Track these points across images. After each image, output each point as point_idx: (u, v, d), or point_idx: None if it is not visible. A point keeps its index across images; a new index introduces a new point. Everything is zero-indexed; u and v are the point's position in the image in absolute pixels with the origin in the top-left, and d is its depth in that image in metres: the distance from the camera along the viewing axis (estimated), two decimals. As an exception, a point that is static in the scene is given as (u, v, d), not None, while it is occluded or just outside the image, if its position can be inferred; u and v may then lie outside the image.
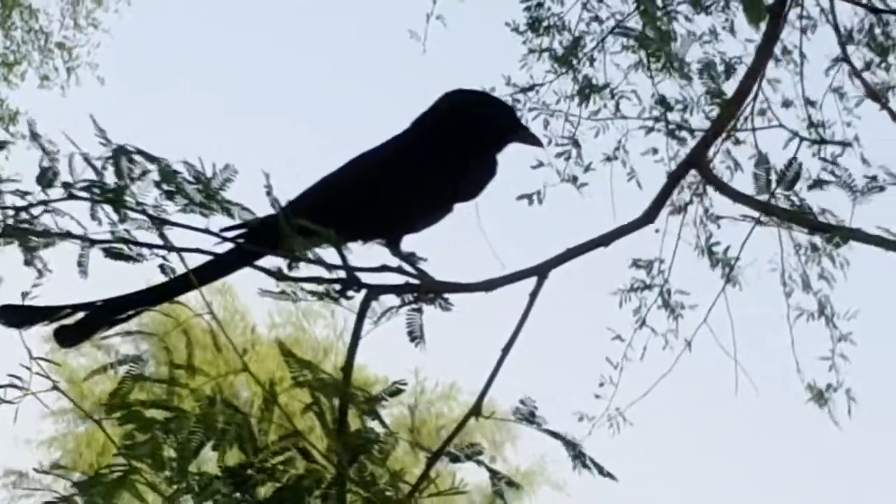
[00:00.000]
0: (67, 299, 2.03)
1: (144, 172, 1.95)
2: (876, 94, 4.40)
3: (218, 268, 2.08)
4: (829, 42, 4.71)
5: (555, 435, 1.96)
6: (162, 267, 1.96)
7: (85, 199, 1.96)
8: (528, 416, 1.96)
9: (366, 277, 2.06)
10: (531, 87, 5.07)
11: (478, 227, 4.34)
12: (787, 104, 4.90)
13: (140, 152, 1.95)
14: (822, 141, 4.63)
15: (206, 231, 1.98)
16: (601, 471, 1.98)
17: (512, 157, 2.31)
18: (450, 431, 2.02)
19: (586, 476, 2.01)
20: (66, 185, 1.96)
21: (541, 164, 4.88)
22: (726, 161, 4.85)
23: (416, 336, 2.02)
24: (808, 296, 4.94)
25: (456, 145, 2.20)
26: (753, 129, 4.50)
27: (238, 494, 1.83)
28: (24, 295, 1.94)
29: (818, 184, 2.17)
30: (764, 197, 2.16)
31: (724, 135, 4.11)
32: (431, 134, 2.21)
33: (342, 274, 2.04)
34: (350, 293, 2.03)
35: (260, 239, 2.02)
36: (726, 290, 4.80)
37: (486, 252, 4.50)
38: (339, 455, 1.84)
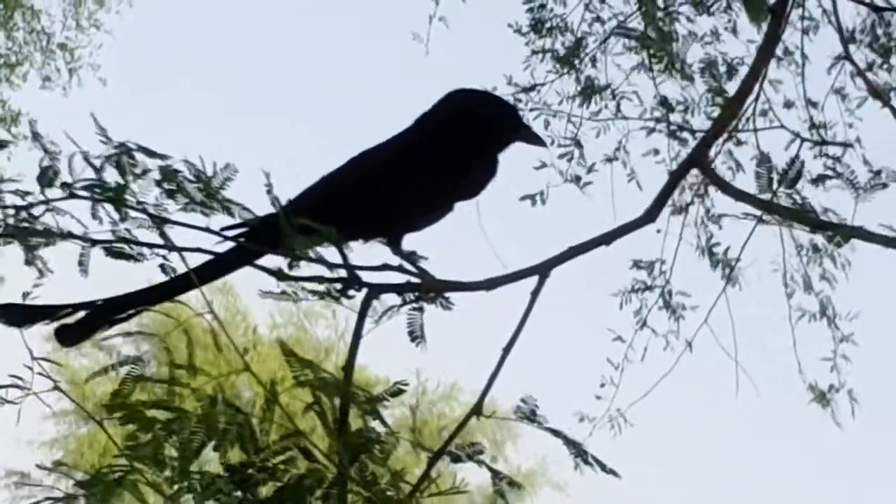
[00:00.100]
0: (68, 299, 2.03)
1: (145, 171, 1.95)
2: (878, 93, 4.40)
3: (218, 267, 2.08)
4: (830, 43, 4.72)
5: (556, 433, 1.96)
6: (163, 266, 1.96)
7: (86, 198, 1.96)
8: (530, 415, 1.96)
9: (367, 276, 2.06)
10: (532, 87, 5.07)
11: (479, 226, 4.33)
12: (788, 105, 4.90)
13: (142, 149, 1.95)
14: (824, 142, 4.63)
15: (207, 230, 1.98)
16: (604, 468, 1.97)
17: (513, 156, 2.31)
18: (451, 431, 2.02)
19: (588, 476, 2.01)
20: (66, 185, 1.96)
21: (544, 165, 4.88)
22: (728, 162, 4.84)
23: (416, 336, 2.02)
24: (810, 297, 4.94)
25: (458, 145, 2.20)
26: (755, 130, 4.50)
27: (239, 493, 1.83)
28: (25, 295, 1.95)
29: (820, 179, 2.17)
30: (766, 196, 2.16)
31: (725, 135, 4.11)
32: (433, 133, 2.21)
33: (343, 273, 2.04)
34: (351, 292, 2.03)
35: (260, 238, 2.02)
36: (728, 291, 4.80)
37: (487, 251, 4.50)
38: (340, 455, 1.84)
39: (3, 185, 2.00)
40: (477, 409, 2.03)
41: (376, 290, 2.03)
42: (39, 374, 1.84)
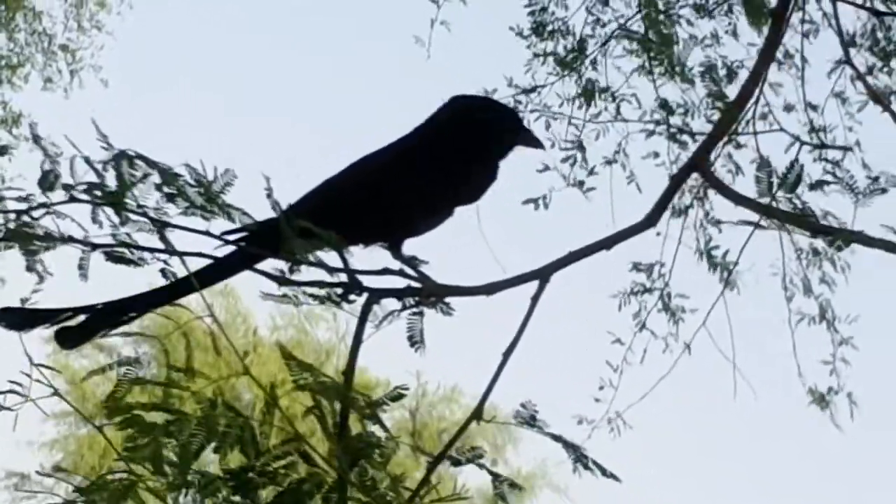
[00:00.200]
0: (69, 302, 2.04)
1: (146, 175, 1.95)
2: (878, 97, 4.40)
3: (219, 271, 2.08)
4: (831, 46, 4.72)
5: (556, 438, 1.96)
6: (164, 271, 1.96)
7: (86, 201, 1.96)
8: (529, 420, 1.96)
9: (367, 281, 2.06)
10: (533, 89, 5.07)
11: (479, 231, 4.33)
12: (788, 108, 4.90)
13: (141, 157, 1.95)
14: (823, 145, 4.64)
15: (208, 234, 1.98)
16: (604, 472, 1.97)
17: (513, 160, 2.31)
18: (451, 434, 2.02)
19: (587, 479, 2.01)
20: (66, 187, 1.96)
21: (546, 168, 4.88)
22: (727, 165, 4.85)
23: (416, 340, 2.03)
24: (810, 300, 4.94)
25: (458, 149, 2.20)
26: (755, 133, 4.50)
27: (239, 497, 1.83)
28: (24, 301, 1.94)
29: (819, 184, 2.17)
30: (765, 200, 2.16)
31: (725, 138, 4.11)
32: (434, 138, 2.22)
33: (344, 277, 2.04)
34: (352, 297, 2.04)
35: (261, 241, 2.02)
36: (726, 295, 4.80)
37: (488, 255, 4.50)
38: (339, 459, 1.84)
39: (6, 191, 2.00)
40: (477, 414, 2.03)
41: (377, 295, 2.03)
42: (38, 380, 1.84)
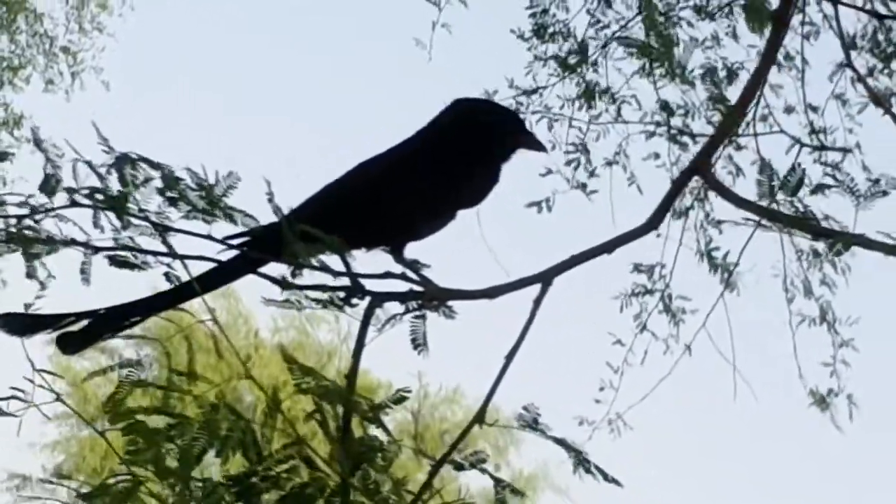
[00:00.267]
0: (70, 306, 2.04)
1: (147, 179, 1.96)
2: (880, 100, 4.40)
3: (222, 275, 2.08)
4: (831, 48, 4.72)
5: (559, 442, 1.96)
6: (167, 275, 1.96)
7: (88, 205, 1.96)
8: (532, 424, 1.97)
9: (370, 285, 2.07)
10: (534, 91, 5.07)
11: (480, 234, 4.33)
12: (789, 110, 4.90)
13: (143, 159, 1.95)
14: (823, 147, 4.64)
15: (210, 238, 1.98)
16: (606, 477, 1.98)
17: (516, 163, 2.32)
18: (453, 435, 2.02)
19: (589, 480, 2.02)
20: (69, 191, 1.96)
21: (549, 172, 4.88)
22: (728, 166, 4.85)
23: (419, 344, 2.03)
24: (810, 301, 4.94)
25: (461, 152, 2.21)
26: (755, 135, 4.50)
27: (242, 502, 1.83)
28: (28, 306, 1.94)
29: (820, 188, 2.17)
30: (767, 203, 2.16)
31: (725, 140, 4.11)
32: (436, 141, 2.22)
33: (346, 281, 2.04)
34: (354, 301, 2.04)
35: (264, 246, 2.03)
36: (727, 296, 4.80)
37: (490, 258, 4.50)
38: (342, 463, 1.84)
39: (7, 196, 2.00)
40: (479, 418, 2.03)
41: (379, 299, 2.04)
42: (41, 386, 1.84)
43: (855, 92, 4.83)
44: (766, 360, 5.92)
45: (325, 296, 2.02)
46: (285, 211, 1.98)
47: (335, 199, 2.16)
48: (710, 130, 4.77)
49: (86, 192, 1.96)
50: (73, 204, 1.96)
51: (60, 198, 1.98)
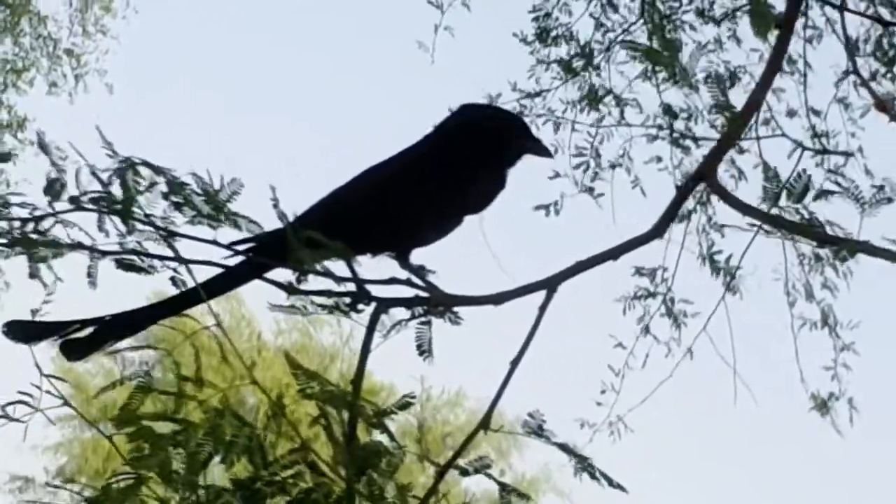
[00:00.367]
0: (74, 310, 2.04)
1: (152, 184, 1.96)
2: (885, 107, 4.40)
3: (228, 280, 2.09)
4: (833, 51, 4.72)
5: (564, 448, 1.96)
6: (173, 279, 1.96)
7: (93, 210, 1.97)
8: (537, 430, 1.97)
9: (375, 290, 2.07)
10: (539, 93, 5.07)
11: (484, 239, 4.33)
12: (791, 113, 4.90)
13: (146, 164, 1.95)
14: (825, 151, 4.64)
15: (215, 243, 1.98)
16: (611, 482, 1.98)
17: (520, 166, 2.32)
18: (455, 438, 2.04)
19: (591, 483, 2.02)
20: (73, 200, 1.96)
21: (557, 175, 4.88)
22: (730, 170, 4.85)
23: (424, 350, 2.03)
24: (812, 305, 4.94)
25: (467, 156, 2.21)
26: (757, 138, 4.50)
27: (247, 508, 1.83)
28: (35, 312, 1.94)
29: (823, 194, 2.17)
30: (773, 210, 2.17)
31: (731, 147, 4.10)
32: (443, 146, 2.22)
33: (352, 287, 2.05)
34: (360, 306, 2.04)
35: (269, 252, 2.03)
36: (728, 300, 4.79)
37: (495, 263, 4.50)
38: (347, 469, 1.84)
39: (11, 197, 2.00)
40: (485, 424, 2.04)
41: (385, 305, 2.04)
42: (48, 392, 1.84)
43: (858, 95, 4.84)
44: (767, 364, 5.93)
45: (330, 301, 2.03)
46: (290, 216, 1.98)
47: (342, 204, 2.16)
48: (712, 134, 4.78)
49: (91, 196, 1.96)
50: (79, 208, 1.96)
51: (65, 202, 1.98)
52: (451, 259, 2.31)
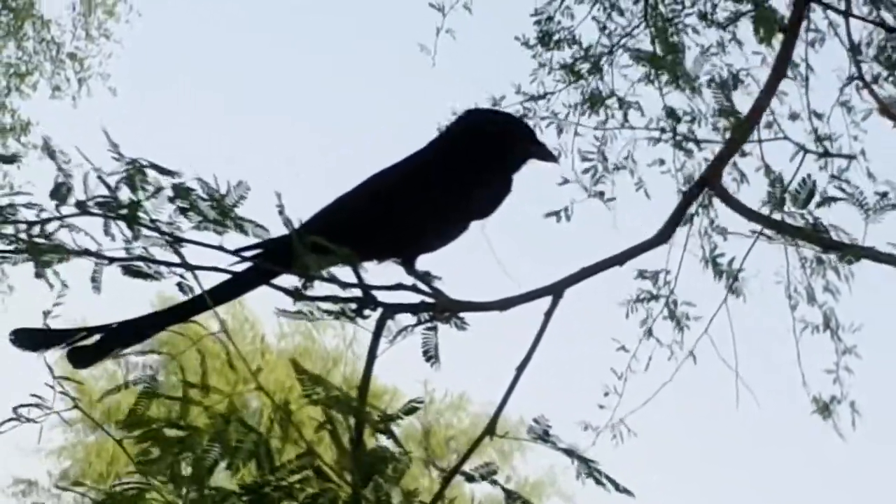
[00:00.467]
0: (80, 314, 2.04)
1: (158, 189, 1.96)
2: (889, 112, 4.40)
3: (234, 287, 2.09)
4: (835, 54, 4.72)
5: (570, 453, 1.96)
6: (180, 285, 1.96)
7: (99, 214, 1.97)
8: (543, 435, 1.97)
9: (381, 296, 2.07)
10: (542, 96, 5.07)
11: (489, 245, 4.33)
12: (793, 117, 4.89)
13: (153, 166, 1.95)
14: (828, 154, 4.63)
15: (221, 248, 1.98)
16: (617, 487, 1.98)
17: (525, 171, 2.32)
18: (459, 442, 2.04)
19: (595, 486, 2.02)
20: (79, 204, 1.97)
21: (566, 181, 4.87)
22: (732, 173, 4.84)
23: (431, 356, 2.04)
24: (814, 308, 4.93)
25: (472, 160, 2.21)
26: (760, 142, 4.49)
27: (254, 513, 1.83)
28: (46, 314, 1.94)
29: (827, 201, 2.17)
30: (777, 215, 2.17)
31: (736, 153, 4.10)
32: (448, 151, 2.23)
33: (358, 293, 2.05)
34: (366, 312, 2.05)
35: (275, 258, 2.03)
36: (730, 303, 4.79)
37: (498, 268, 4.50)
38: (354, 474, 1.85)
39: (16, 198, 2.01)
40: (490, 429, 2.04)
41: (391, 310, 2.04)
42: (62, 393, 1.85)
43: (860, 99, 4.83)
44: (769, 367, 5.93)
45: (337, 307, 2.03)
46: (293, 220, 1.99)
47: (348, 211, 2.17)
48: (715, 137, 4.79)
49: (97, 201, 1.96)
50: (84, 213, 1.97)
51: (71, 206, 1.99)
52: (456, 265, 2.31)
